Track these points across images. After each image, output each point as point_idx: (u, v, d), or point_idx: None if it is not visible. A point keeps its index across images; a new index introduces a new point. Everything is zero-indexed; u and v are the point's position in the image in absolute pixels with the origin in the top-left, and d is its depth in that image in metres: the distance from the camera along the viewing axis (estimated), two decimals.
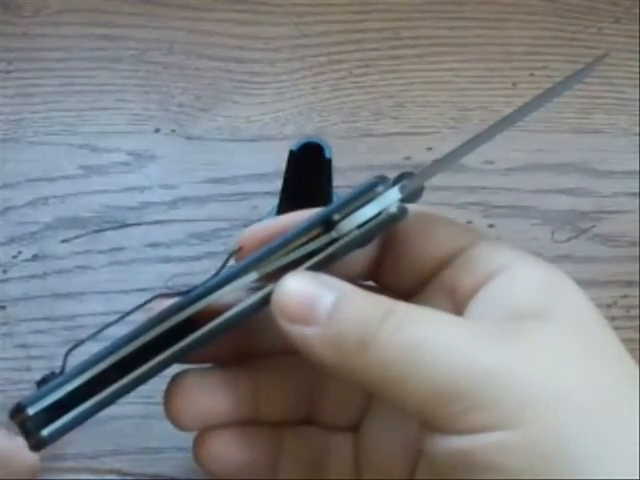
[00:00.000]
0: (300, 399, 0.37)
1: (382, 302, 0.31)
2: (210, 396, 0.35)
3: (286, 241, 0.32)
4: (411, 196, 0.32)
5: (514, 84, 0.57)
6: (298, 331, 0.31)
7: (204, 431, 0.36)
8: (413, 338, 0.29)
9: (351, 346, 0.30)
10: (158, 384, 0.43)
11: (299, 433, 0.37)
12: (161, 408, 0.42)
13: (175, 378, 0.35)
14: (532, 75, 0.57)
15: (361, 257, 0.35)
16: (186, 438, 0.41)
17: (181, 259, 0.49)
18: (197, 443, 0.36)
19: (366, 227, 0.32)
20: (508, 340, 0.30)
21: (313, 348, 0.30)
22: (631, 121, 0.56)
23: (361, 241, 0.32)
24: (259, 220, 0.48)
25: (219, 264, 0.48)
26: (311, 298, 0.31)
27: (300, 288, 0.31)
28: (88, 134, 0.53)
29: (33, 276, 0.48)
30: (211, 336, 0.32)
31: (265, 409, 0.36)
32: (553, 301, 0.31)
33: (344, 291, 0.31)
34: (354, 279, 0.35)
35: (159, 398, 0.42)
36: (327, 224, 0.32)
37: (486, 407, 0.28)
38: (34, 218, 0.50)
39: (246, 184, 0.51)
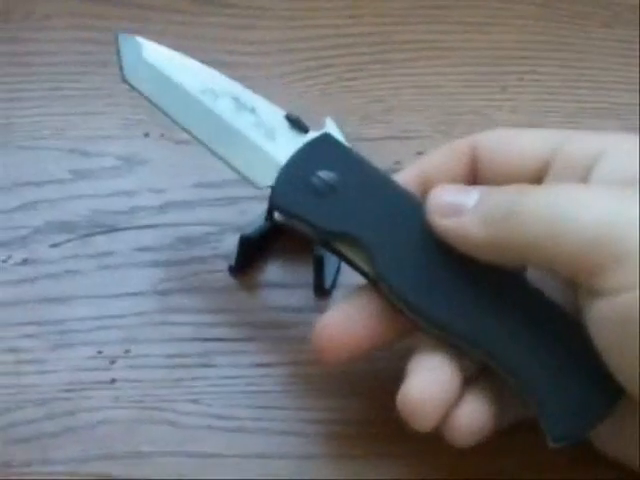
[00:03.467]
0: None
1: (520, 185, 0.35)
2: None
3: None
4: None
5: (503, 88, 0.57)
6: (450, 221, 0.35)
7: None
8: (559, 197, 0.33)
9: (500, 217, 0.33)
10: (147, 389, 0.43)
11: None
12: (151, 412, 0.42)
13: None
14: (521, 79, 0.57)
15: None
16: (176, 442, 0.41)
17: (170, 263, 0.49)
18: None
19: None
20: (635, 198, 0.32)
21: (465, 231, 0.34)
22: (621, 126, 0.56)
23: None
24: (248, 225, 0.48)
25: (208, 268, 0.48)
26: (460, 194, 0.36)
27: (449, 189, 0.36)
28: (77, 138, 0.53)
29: (23, 280, 0.48)
30: None
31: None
32: None
33: (485, 188, 0.36)
34: None
35: (149, 402, 0.42)
36: None
37: (632, 258, 0.30)
38: (23, 222, 0.50)
39: (235, 189, 0.50)
